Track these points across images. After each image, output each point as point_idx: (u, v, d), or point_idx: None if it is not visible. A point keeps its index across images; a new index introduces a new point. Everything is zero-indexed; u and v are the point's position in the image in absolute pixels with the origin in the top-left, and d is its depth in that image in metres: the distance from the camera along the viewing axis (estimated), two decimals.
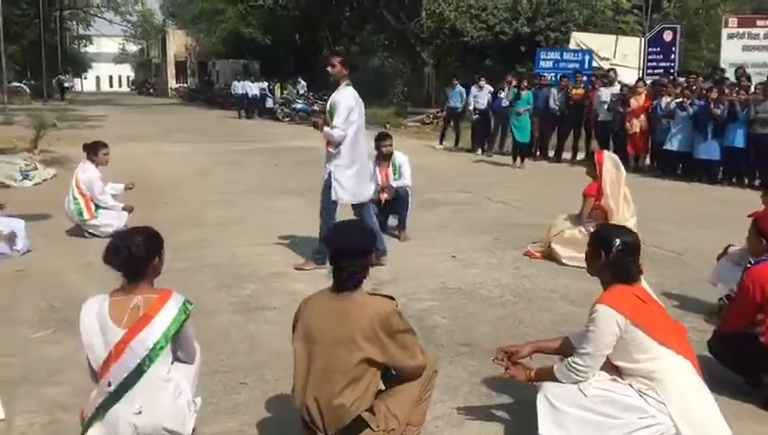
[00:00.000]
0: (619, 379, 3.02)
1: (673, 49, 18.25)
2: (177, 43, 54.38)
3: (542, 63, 17.81)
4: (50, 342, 4.65)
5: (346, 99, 6.11)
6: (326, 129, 6.12)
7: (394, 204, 7.75)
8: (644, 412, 2.88)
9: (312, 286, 5.89)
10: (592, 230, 6.36)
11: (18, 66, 44.02)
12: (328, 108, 6.20)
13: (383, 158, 7.80)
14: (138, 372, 2.90)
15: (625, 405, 2.91)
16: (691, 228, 8.34)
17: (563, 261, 6.53)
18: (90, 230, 7.55)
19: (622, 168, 6.56)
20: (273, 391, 3.95)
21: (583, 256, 6.31)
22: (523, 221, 8.66)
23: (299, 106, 26.24)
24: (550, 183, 12.30)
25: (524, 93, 14.00)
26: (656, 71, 17.86)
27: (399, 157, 7.88)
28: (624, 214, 6.44)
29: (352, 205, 6.29)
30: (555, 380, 3.08)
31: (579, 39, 21.12)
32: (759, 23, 17.96)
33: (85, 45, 67.96)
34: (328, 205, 6.18)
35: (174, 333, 2.99)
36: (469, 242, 7.50)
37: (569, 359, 3.06)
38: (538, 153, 15.45)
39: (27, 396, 3.87)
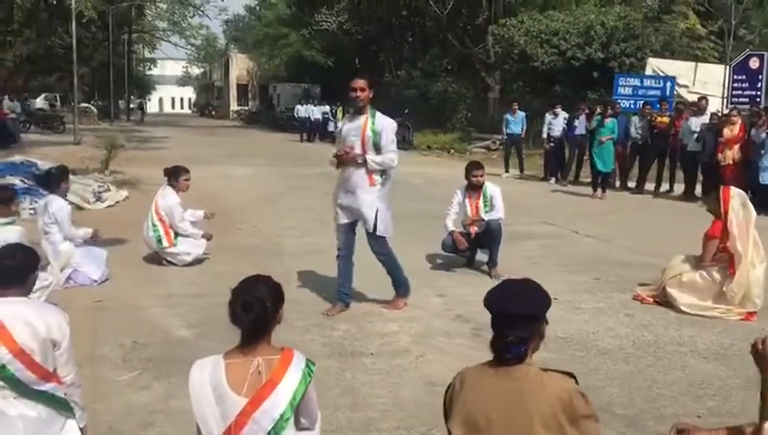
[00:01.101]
0: None
1: (759, 77, 17.32)
2: (240, 66, 55.28)
3: (620, 90, 17.12)
4: (137, 386, 4.28)
5: (392, 124, 5.74)
6: (376, 157, 5.54)
7: (484, 238, 7.25)
8: None
9: (405, 327, 5.51)
10: (716, 275, 5.90)
11: (87, 87, 45.28)
12: (370, 134, 5.51)
13: (473, 188, 7.33)
14: None
15: None
16: None
17: (682, 308, 5.90)
18: (168, 258, 7.27)
19: (751, 206, 5.92)
20: None
21: (705, 303, 5.90)
22: (619, 259, 8.05)
23: None
24: (637, 216, 11.61)
25: (608, 121, 13.35)
26: (741, 99, 16.99)
27: (491, 188, 7.38)
28: (753, 259, 5.78)
29: (375, 237, 5.77)
30: None
31: (655, 65, 20.34)
32: None
33: (150, 68, 69.79)
34: (386, 247, 5.89)
35: (299, 399, 2.56)
36: (567, 282, 6.93)
37: None
38: (617, 184, 14.72)
39: None
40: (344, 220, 5.76)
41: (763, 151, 11.53)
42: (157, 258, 7.39)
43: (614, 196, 13.71)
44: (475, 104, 28.00)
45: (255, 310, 2.55)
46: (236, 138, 31.03)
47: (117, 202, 11.52)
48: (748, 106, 14.77)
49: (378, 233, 5.66)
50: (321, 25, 32.58)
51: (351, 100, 5.60)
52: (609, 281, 6.97)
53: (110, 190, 11.66)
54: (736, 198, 5.92)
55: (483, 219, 7.19)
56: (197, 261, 7.43)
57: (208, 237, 7.50)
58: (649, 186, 14.25)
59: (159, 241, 7.18)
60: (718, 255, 5.91)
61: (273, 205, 11.80)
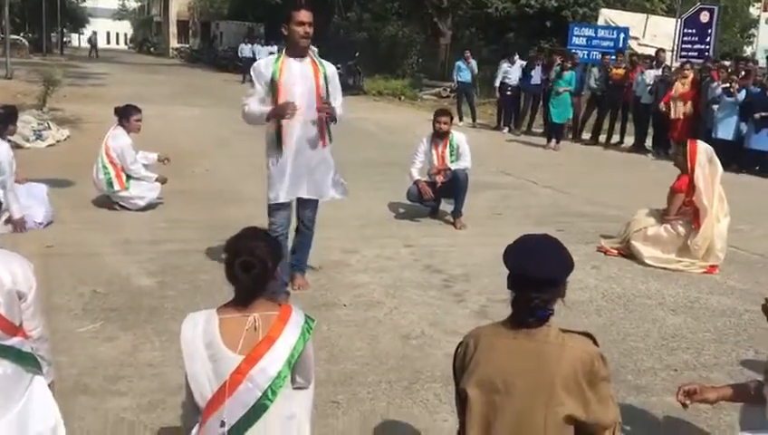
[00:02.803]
0: None
1: (709, 31, 17.52)
2: (180, 1, 52.96)
3: (574, 40, 17.06)
4: (101, 338, 4.06)
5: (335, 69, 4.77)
6: (339, 111, 4.64)
7: (450, 188, 7.15)
8: None
9: (376, 278, 5.38)
10: (680, 229, 5.97)
11: (18, 19, 42.71)
12: (323, 83, 4.50)
13: (439, 136, 7.19)
14: (259, 409, 2.32)
15: None
16: (756, 224, 7.77)
17: (646, 260, 5.96)
18: (120, 202, 6.93)
19: (717, 161, 5.97)
20: (373, 413, 3.39)
21: (669, 256, 5.97)
22: (579, 211, 8.10)
23: None
24: (592, 167, 11.74)
25: (566, 73, 13.31)
26: (690, 53, 17.18)
27: (457, 136, 7.26)
28: (717, 214, 5.86)
29: (305, 205, 4.87)
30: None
31: (608, 16, 20.37)
32: None
33: (84, 0, 66.28)
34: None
35: (297, 357, 2.41)
36: (530, 232, 6.90)
37: None
38: (570, 135, 14.79)
39: (87, 409, 3.29)
40: (287, 197, 4.64)
41: (716, 106, 11.70)
42: (107, 202, 7.04)
43: (567, 146, 13.79)
44: (425, 50, 27.61)
45: (256, 270, 2.37)
46: (178, 76, 29.89)
47: (58, 141, 10.93)
48: (701, 60, 14.94)
49: (337, 197, 4.93)
50: None
51: (296, 36, 4.37)
52: (572, 232, 6.97)
53: (50, 129, 11.04)
54: (703, 153, 5.95)
55: (449, 168, 7.08)
56: (151, 206, 7.12)
57: (162, 181, 7.17)
58: (601, 138, 14.39)
59: (110, 184, 6.82)
60: (683, 208, 5.97)
61: (225, 149, 11.41)
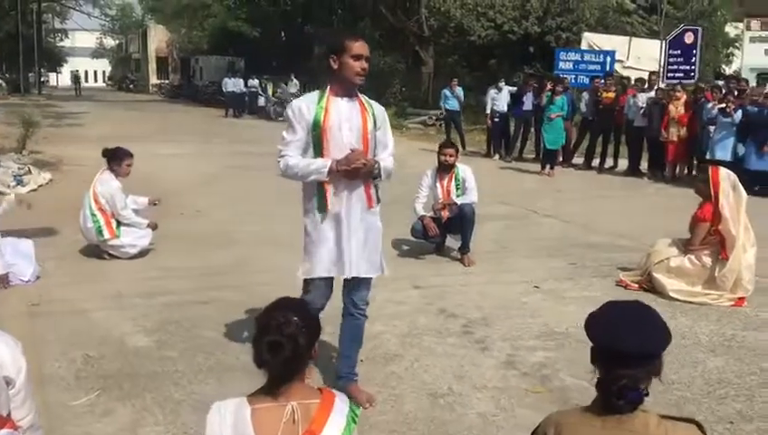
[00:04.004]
0: None
1: (694, 52, 17.55)
2: (159, 38, 52.87)
3: (561, 65, 16.99)
4: (97, 412, 3.65)
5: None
6: (387, 163, 3.71)
7: (456, 223, 6.85)
8: None
9: (390, 326, 4.95)
10: (705, 259, 5.68)
11: None
12: (372, 128, 3.62)
13: (444, 169, 6.90)
14: None
15: None
16: None
17: (671, 294, 5.66)
18: (110, 251, 6.53)
19: (741, 188, 5.70)
20: None
21: (695, 289, 5.67)
22: (588, 241, 7.81)
23: None
24: (590, 193, 11.52)
25: (558, 98, 13.14)
26: (676, 74, 17.16)
27: (463, 169, 6.97)
28: (744, 243, 5.58)
29: (356, 283, 3.80)
30: None
31: (591, 40, 20.36)
32: None
33: (61, 39, 65.96)
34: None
35: None
36: (544, 268, 6.61)
37: None
38: (561, 160, 14.59)
39: None
40: (328, 271, 3.68)
41: (713, 127, 11.55)
42: (96, 251, 6.64)
43: (561, 172, 13.58)
44: (408, 79, 27.54)
45: (286, 352, 2.01)
46: (160, 113, 29.52)
47: (39, 186, 10.51)
48: (692, 81, 14.87)
49: (384, 273, 3.90)
50: None
51: (351, 73, 3.50)
52: (586, 266, 6.70)
53: (30, 173, 10.63)
54: (726, 180, 5.68)
55: (455, 203, 6.78)
56: (142, 253, 6.73)
57: (154, 227, 6.79)
58: (594, 162, 14.22)
59: (100, 233, 6.42)
60: (708, 238, 5.69)
61: (214, 187, 11.06)
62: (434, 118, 22.48)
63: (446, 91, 16.74)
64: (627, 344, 1.83)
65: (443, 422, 3.62)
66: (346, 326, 3.83)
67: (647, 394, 1.85)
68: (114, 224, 6.47)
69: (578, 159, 14.60)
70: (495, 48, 21.65)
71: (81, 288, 5.71)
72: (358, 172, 3.54)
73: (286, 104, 21.10)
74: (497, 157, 15.48)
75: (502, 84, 15.59)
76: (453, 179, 6.87)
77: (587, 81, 16.15)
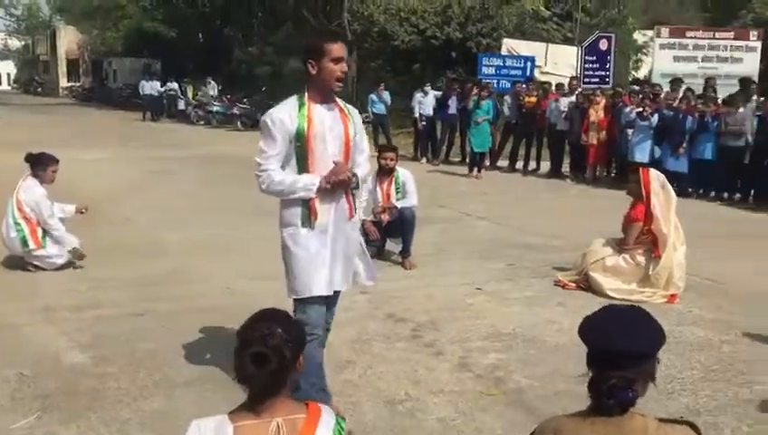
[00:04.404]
0: None
1: (608, 58, 18.21)
2: (69, 39, 50.73)
3: (484, 70, 17.30)
4: None
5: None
6: (364, 172, 3.65)
7: (396, 227, 6.85)
8: None
9: (340, 333, 4.85)
10: (639, 258, 5.88)
11: None
12: (353, 133, 3.48)
13: (384, 173, 6.90)
14: None
15: None
16: (693, 248, 7.87)
17: (608, 292, 5.82)
18: (35, 262, 6.19)
19: (670, 188, 5.94)
20: None
21: (630, 287, 5.86)
22: (523, 242, 7.95)
23: (216, 108, 24.67)
24: (518, 195, 11.81)
25: (484, 103, 13.38)
26: (593, 79, 17.77)
27: (403, 172, 6.99)
28: (675, 242, 5.81)
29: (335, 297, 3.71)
30: None
31: (510, 45, 20.83)
32: (688, 34, 18.30)
33: None
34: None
35: None
36: (482, 269, 6.70)
37: None
38: (487, 163, 14.87)
39: None
40: (328, 289, 3.47)
41: (631, 130, 12.01)
42: (20, 263, 6.29)
43: (487, 175, 13.82)
44: None
45: (271, 364, 1.93)
46: (74, 117, 28.37)
47: None
48: (607, 87, 15.42)
49: (369, 283, 3.86)
50: None
51: (331, 77, 3.31)
52: (524, 267, 6.82)
53: None
54: (656, 180, 5.91)
55: (395, 207, 6.78)
56: (69, 264, 6.41)
57: (83, 210, 6.51)
58: (518, 164, 14.55)
59: (25, 243, 6.08)
60: (641, 237, 5.90)
61: (141, 193, 10.67)
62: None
63: (373, 96, 16.77)
64: (616, 344, 1.85)
65: (404, 429, 3.58)
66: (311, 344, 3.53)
67: (638, 396, 1.86)
68: (40, 233, 6.15)
69: (502, 162, 14.91)
70: (419, 53, 21.86)
71: (6, 303, 5.39)
72: (342, 184, 3.39)
73: (207, 107, 20.63)
74: (424, 160, 15.62)
75: (428, 89, 15.76)
76: (393, 183, 6.87)
77: (509, 85, 16.50)
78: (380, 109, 16.61)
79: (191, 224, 8.41)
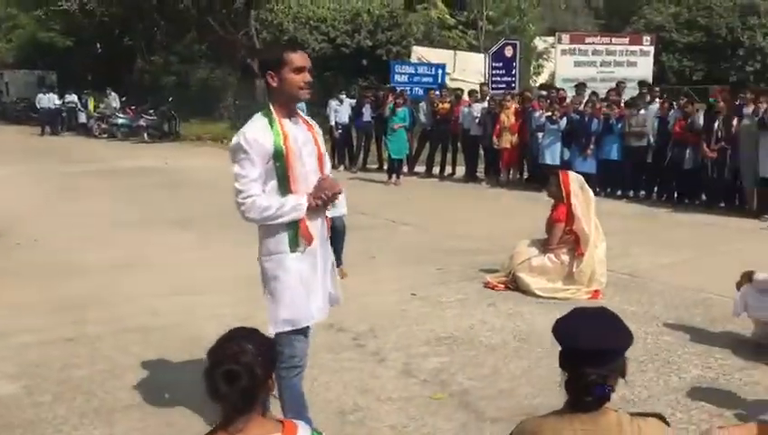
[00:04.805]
0: None
1: (514, 64, 18.85)
2: None
3: (396, 77, 17.53)
4: None
5: None
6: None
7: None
8: None
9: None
10: (563, 257, 6.12)
11: None
12: (322, 145, 3.38)
13: None
14: None
15: None
16: (609, 245, 8.25)
17: (535, 291, 6.03)
18: None
19: (589, 189, 6.22)
20: None
21: (556, 285, 6.10)
22: (449, 246, 8.11)
23: (121, 121, 23.84)
24: (438, 200, 12.03)
25: (400, 110, 13.56)
26: (500, 85, 18.32)
27: None
28: (595, 240, 6.09)
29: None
30: None
31: (420, 53, 21.19)
32: (587, 40, 19.17)
33: None
34: None
35: None
36: (414, 275, 6.80)
37: None
38: (405, 169, 15.06)
39: None
40: (315, 317, 3.29)
41: (541, 134, 12.47)
42: None
43: (406, 181, 14.01)
44: (242, 91, 27.06)
45: (242, 381, 1.91)
46: None
47: None
48: (514, 92, 15.91)
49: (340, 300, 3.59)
50: (60, 5, 29.06)
51: (294, 88, 3.15)
52: (452, 270, 6.96)
53: None
54: (575, 181, 6.18)
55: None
56: None
57: None
58: (434, 170, 14.82)
59: None
60: (564, 237, 6.14)
61: (49, 211, 10.19)
62: None
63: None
64: (589, 342, 1.94)
65: None
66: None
67: (613, 391, 1.96)
68: None
69: (419, 168, 15.15)
70: (330, 61, 21.86)
71: None
72: (334, 199, 3.25)
73: (111, 120, 19.78)
74: (342, 168, 15.66)
75: (343, 96, 15.82)
76: None
77: (421, 92, 16.79)
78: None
79: (105, 241, 8.13)
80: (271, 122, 3.13)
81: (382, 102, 14.50)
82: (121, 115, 24.26)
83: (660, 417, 2.06)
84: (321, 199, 3.19)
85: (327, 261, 3.39)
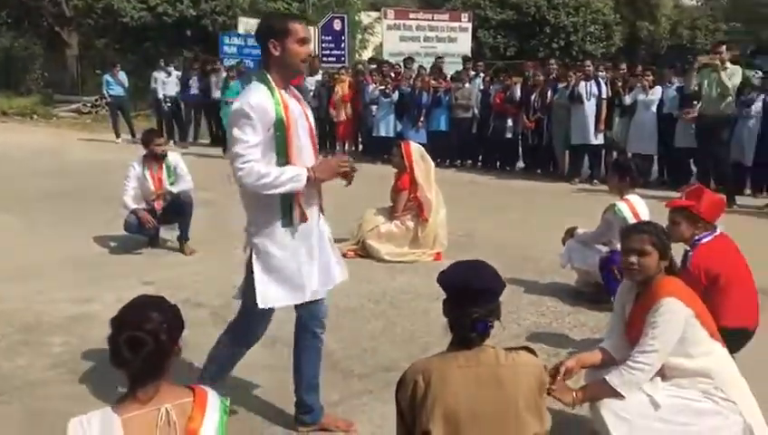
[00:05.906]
0: (683, 381, 2.92)
1: (343, 38, 19.13)
2: None
3: (225, 49, 17.15)
4: None
5: None
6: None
7: (171, 213, 6.71)
8: (717, 414, 2.85)
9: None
10: (409, 223, 6.46)
11: None
12: (312, 121, 3.36)
13: (155, 159, 6.68)
14: None
15: (698, 410, 2.84)
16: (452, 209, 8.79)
17: (384, 257, 6.37)
18: None
19: (429, 158, 6.61)
20: None
21: (403, 250, 6.45)
22: None
23: None
24: None
25: (233, 83, 13.30)
26: (330, 58, 18.53)
27: (173, 157, 6.83)
28: (437, 206, 6.50)
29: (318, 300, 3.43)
30: (607, 394, 2.87)
31: (248, 25, 20.80)
32: (411, 15, 19.89)
33: None
34: None
35: None
36: None
37: (629, 362, 2.86)
38: None
39: None
40: (312, 294, 3.28)
41: (375, 107, 12.84)
42: None
43: None
44: (50, 63, 25.08)
45: (147, 347, 1.95)
46: None
47: None
48: (344, 65, 16.17)
49: (341, 279, 3.55)
50: None
51: (296, 60, 3.10)
52: None
53: None
54: (416, 152, 6.54)
55: (170, 192, 6.61)
56: None
57: None
58: None
59: None
60: (408, 204, 6.49)
61: None
62: (88, 105, 20.95)
63: (108, 77, 15.75)
64: (475, 282, 2.20)
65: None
66: (311, 348, 3.43)
67: (492, 326, 2.23)
68: None
69: None
70: (150, 30, 20.89)
71: None
72: (347, 176, 3.18)
73: None
74: (172, 142, 15.11)
75: (171, 68, 15.23)
76: (164, 168, 6.68)
77: (252, 65, 16.56)
78: (118, 91, 15.65)
79: (71, 284, 7.37)
80: (271, 91, 3.05)
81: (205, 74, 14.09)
82: None
83: (530, 350, 2.36)
84: (340, 174, 3.15)
85: (323, 238, 3.35)
